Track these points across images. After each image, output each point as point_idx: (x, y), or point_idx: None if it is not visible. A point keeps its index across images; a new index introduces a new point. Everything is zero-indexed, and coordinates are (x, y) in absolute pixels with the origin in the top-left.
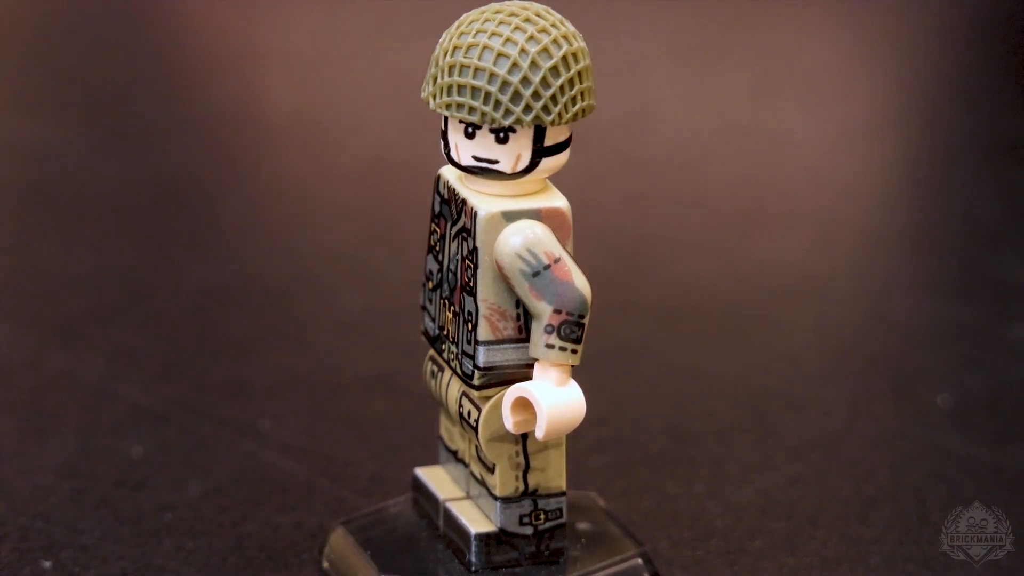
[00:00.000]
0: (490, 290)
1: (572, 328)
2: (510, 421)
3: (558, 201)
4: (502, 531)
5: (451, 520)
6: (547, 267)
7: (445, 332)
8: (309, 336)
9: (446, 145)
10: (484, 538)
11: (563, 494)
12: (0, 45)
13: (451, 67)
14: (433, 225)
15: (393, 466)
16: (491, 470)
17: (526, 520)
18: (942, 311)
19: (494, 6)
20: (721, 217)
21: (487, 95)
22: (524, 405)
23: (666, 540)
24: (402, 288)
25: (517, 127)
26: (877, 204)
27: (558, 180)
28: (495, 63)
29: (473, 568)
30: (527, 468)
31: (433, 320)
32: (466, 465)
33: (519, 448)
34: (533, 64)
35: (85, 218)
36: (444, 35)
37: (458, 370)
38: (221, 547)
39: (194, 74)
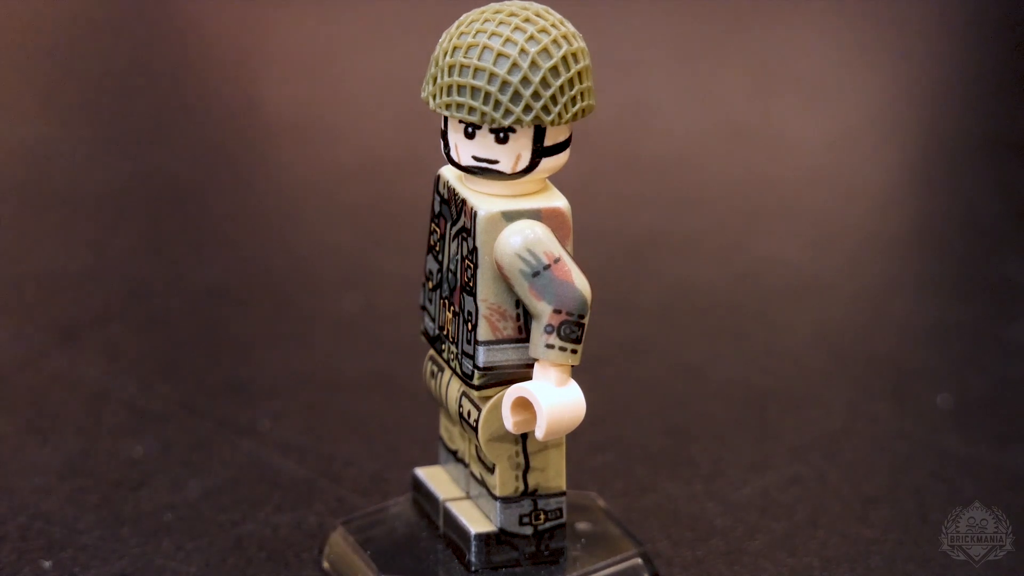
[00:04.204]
0: (490, 290)
1: (572, 328)
2: (510, 421)
3: (558, 201)
4: (502, 531)
5: (451, 520)
6: (547, 267)
7: (445, 332)
8: (309, 336)
9: (446, 145)
10: (484, 538)
11: (563, 494)
12: (0, 46)
13: (451, 67)
14: (433, 225)
15: (393, 466)
16: (491, 470)
17: (526, 520)
18: (942, 311)
19: (494, 6)
20: (721, 217)
21: (487, 95)
22: (524, 405)
23: (666, 540)
24: (402, 288)
25: (517, 127)
26: (877, 204)
27: (558, 180)
28: (495, 63)
29: (473, 568)
30: (527, 468)
31: (433, 320)
32: (466, 465)
33: (519, 448)
34: (533, 64)
35: (85, 218)
36: (444, 35)
37: (458, 370)
38: (221, 547)
39: (194, 74)
